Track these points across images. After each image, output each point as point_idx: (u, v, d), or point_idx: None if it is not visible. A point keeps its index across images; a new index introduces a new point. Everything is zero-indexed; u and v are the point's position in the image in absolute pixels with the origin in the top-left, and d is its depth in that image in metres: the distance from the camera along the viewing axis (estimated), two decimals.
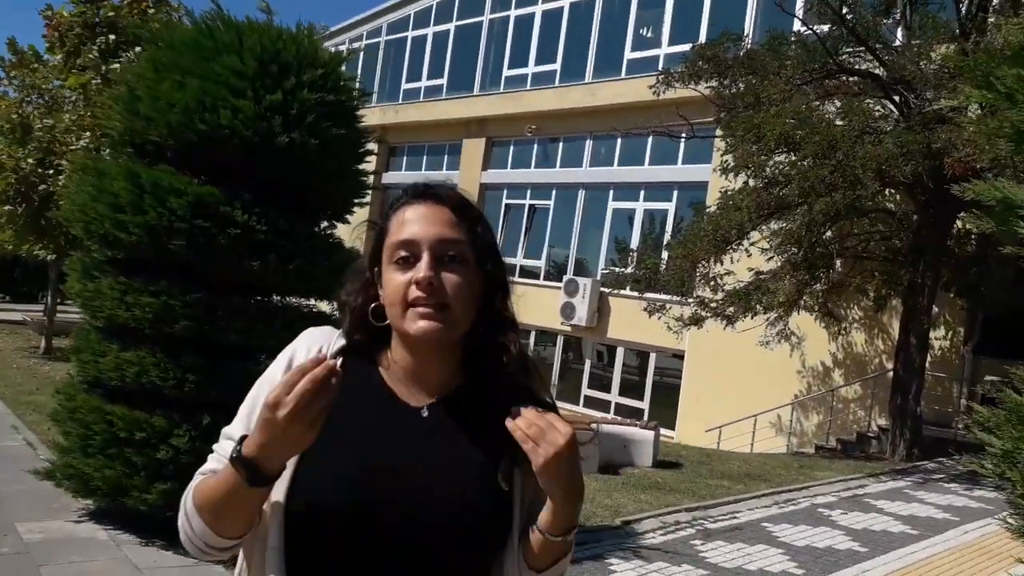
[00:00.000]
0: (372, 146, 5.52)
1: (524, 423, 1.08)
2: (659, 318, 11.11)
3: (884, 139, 9.18)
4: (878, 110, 10.22)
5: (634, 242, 15.52)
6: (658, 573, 5.21)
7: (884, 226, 11.52)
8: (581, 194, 16.82)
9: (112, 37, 12.36)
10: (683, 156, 14.71)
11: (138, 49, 10.52)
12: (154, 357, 4.54)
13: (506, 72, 18.67)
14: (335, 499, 1.10)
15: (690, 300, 10.90)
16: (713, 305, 10.49)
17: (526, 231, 17.78)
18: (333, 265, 4.88)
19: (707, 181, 13.51)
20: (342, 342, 1.24)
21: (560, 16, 17.67)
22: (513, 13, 18.70)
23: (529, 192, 17.94)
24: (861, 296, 12.08)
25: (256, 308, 4.79)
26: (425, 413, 1.19)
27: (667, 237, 14.24)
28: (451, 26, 20.12)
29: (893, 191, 11.06)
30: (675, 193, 15.15)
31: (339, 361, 1.01)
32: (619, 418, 12.05)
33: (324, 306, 5.33)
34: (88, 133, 10.96)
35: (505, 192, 18.29)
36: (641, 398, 15.15)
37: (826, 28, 10.45)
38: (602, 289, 15.43)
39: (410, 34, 21.25)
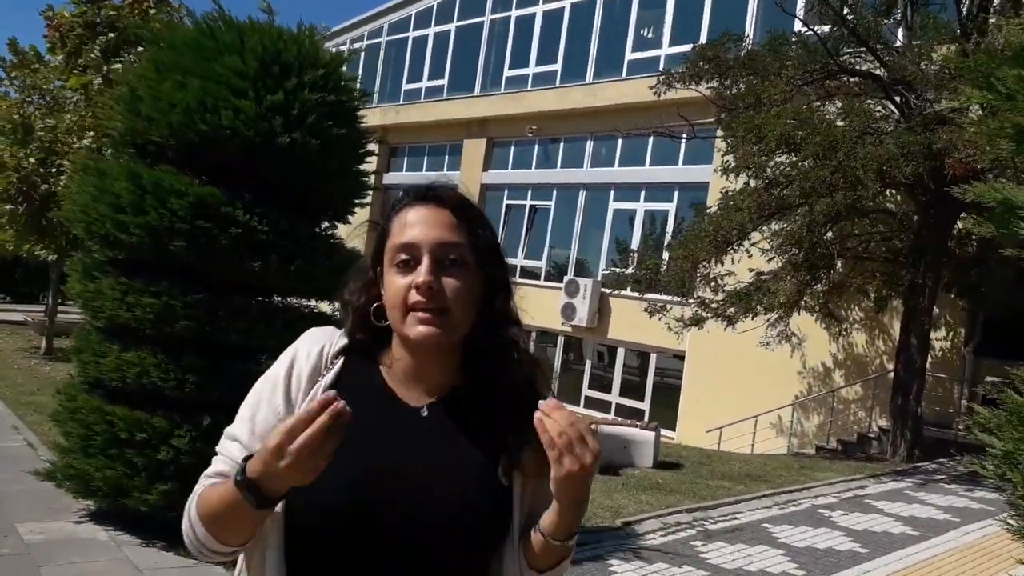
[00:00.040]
0: (373, 146, 5.53)
1: (555, 428, 1.05)
2: (660, 319, 11.10)
3: (885, 140, 9.18)
4: (879, 111, 10.22)
5: (635, 243, 15.52)
6: (659, 574, 5.21)
7: (885, 227, 11.52)
8: (582, 195, 16.82)
9: (112, 36, 12.36)
10: (684, 157, 14.71)
11: (139, 49, 10.53)
12: (155, 358, 4.55)
13: (507, 73, 18.67)
14: (335, 499, 1.10)
15: (691, 301, 10.90)
16: (714, 306, 10.49)
17: (527, 232, 17.78)
18: (334, 265, 4.88)
19: (708, 182, 13.51)
20: (344, 342, 1.24)
21: (561, 17, 17.67)
22: (514, 14, 18.71)
23: (530, 193, 17.94)
24: (862, 297, 12.08)
25: (257, 309, 4.79)
26: (425, 413, 1.19)
27: (668, 238, 14.23)
28: (452, 26, 20.12)
29: (894, 192, 11.06)
30: (676, 194, 15.15)
31: (344, 404, 0.98)
32: (620, 419, 12.05)
33: (325, 307, 5.33)
34: (91, 133, 10.97)
35: (506, 193, 18.29)
36: (642, 399, 15.14)
37: (827, 29, 10.45)
38: (603, 290, 15.44)
39: (411, 35, 21.26)
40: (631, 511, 6.57)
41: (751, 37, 12.45)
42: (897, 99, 10.00)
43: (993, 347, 11.46)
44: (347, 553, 1.12)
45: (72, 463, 4.79)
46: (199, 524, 1.12)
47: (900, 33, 10.98)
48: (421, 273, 1.13)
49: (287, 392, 1.19)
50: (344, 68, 5.20)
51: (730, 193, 10.43)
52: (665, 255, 12.15)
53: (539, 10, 18.12)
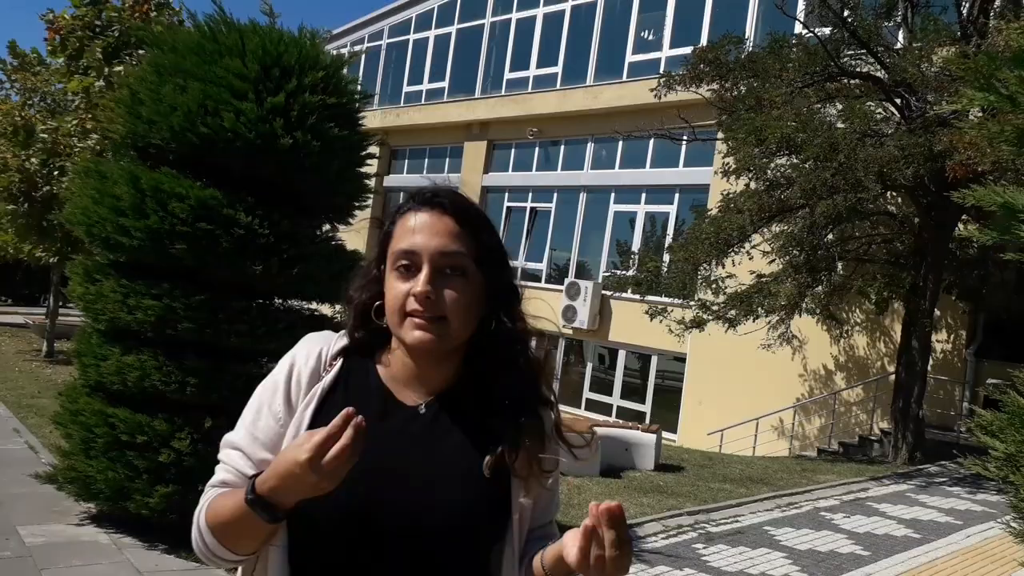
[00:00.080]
0: (374, 149, 5.53)
1: (589, 546, 1.01)
2: (660, 321, 11.10)
3: (886, 142, 9.18)
4: (879, 113, 10.22)
5: (635, 245, 15.52)
6: None
7: (886, 229, 11.52)
8: (582, 197, 16.82)
9: (116, 33, 12.37)
10: (684, 159, 14.72)
11: (140, 52, 10.54)
12: (156, 360, 4.55)
13: (507, 75, 18.69)
14: (335, 498, 1.10)
15: (692, 303, 10.89)
16: (715, 308, 10.48)
17: (527, 234, 17.78)
18: (335, 268, 4.89)
19: (708, 184, 13.52)
20: (342, 343, 1.25)
21: (562, 19, 17.69)
22: (515, 16, 18.73)
23: (530, 195, 17.94)
24: (863, 299, 12.07)
25: (258, 311, 4.79)
26: (423, 412, 1.20)
27: (668, 240, 14.22)
28: (452, 29, 20.15)
29: (895, 194, 11.06)
30: (676, 196, 15.15)
31: (362, 418, 1.01)
32: (621, 421, 12.04)
33: (326, 309, 5.33)
34: (96, 135, 11.00)
35: (506, 195, 18.30)
36: (643, 401, 15.14)
37: (827, 31, 10.46)
38: (603, 292, 15.44)
39: (412, 37, 21.28)
40: (632, 514, 6.57)
41: (751, 39, 12.45)
42: (898, 101, 10.00)
43: (994, 349, 11.46)
44: (348, 550, 1.12)
45: (73, 466, 4.79)
46: (208, 534, 1.14)
47: (900, 35, 10.98)
48: (419, 282, 1.14)
49: (287, 396, 1.19)
50: (345, 70, 5.20)
51: (731, 195, 10.43)
52: (666, 257, 12.14)
53: (540, 12, 18.14)
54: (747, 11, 14.30)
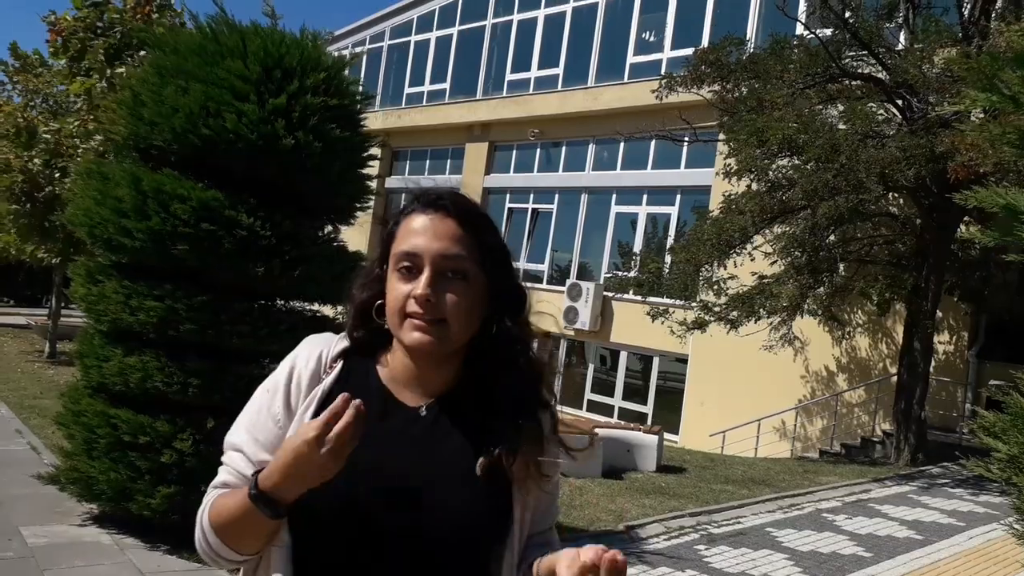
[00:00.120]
0: (375, 150, 5.53)
1: None
2: (662, 322, 11.10)
3: (887, 143, 9.18)
4: (881, 114, 10.22)
5: (637, 246, 15.52)
6: None
7: (888, 230, 11.51)
8: (584, 198, 16.83)
9: (118, 35, 12.39)
10: (686, 160, 14.72)
11: (142, 53, 10.56)
12: (158, 361, 4.55)
13: (509, 76, 18.70)
14: (336, 498, 1.11)
15: (693, 304, 10.89)
16: (716, 309, 10.48)
17: (529, 235, 17.79)
18: (337, 269, 4.89)
19: (710, 185, 13.51)
20: (343, 345, 1.25)
21: (563, 20, 17.70)
22: (516, 17, 18.74)
23: (532, 196, 17.95)
24: (865, 300, 12.06)
25: (260, 312, 4.79)
26: (424, 413, 1.20)
27: (670, 241, 14.22)
28: (454, 30, 20.16)
29: (896, 195, 11.05)
30: (678, 197, 15.15)
31: (361, 402, 1.05)
32: (622, 422, 12.04)
33: (328, 310, 5.33)
34: (99, 136, 11.02)
35: (508, 196, 18.31)
36: (645, 402, 15.13)
37: (829, 32, 10.46)
38: (605, 293, 15.44)
39: (413, 38, 21.30)
40: (634, 515, 6.56)
41: (753, 41, 12.45)
42: (899, 102, 10.00)
43: (997, 350, 11.45)
44: (348, 551, 1.13)
45: (76, 466, 4.80)
46: (212, 534, 1.14)
47: (902, 36, 10.98)
48: (420, 285, 1.14)
49: (287, 399, 1.20)
50: (346, 72, 5.20)
51: (732, 196, 10.43)
52: (667, 258, 12.15)
53: (541, 14, 18.16)
54: (748, 12, 14.30)
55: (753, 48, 11.46)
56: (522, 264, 17.27)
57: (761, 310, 10.25)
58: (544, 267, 17.31)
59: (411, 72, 21.26)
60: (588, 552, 1.03)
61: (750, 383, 12.81)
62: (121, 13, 12.86)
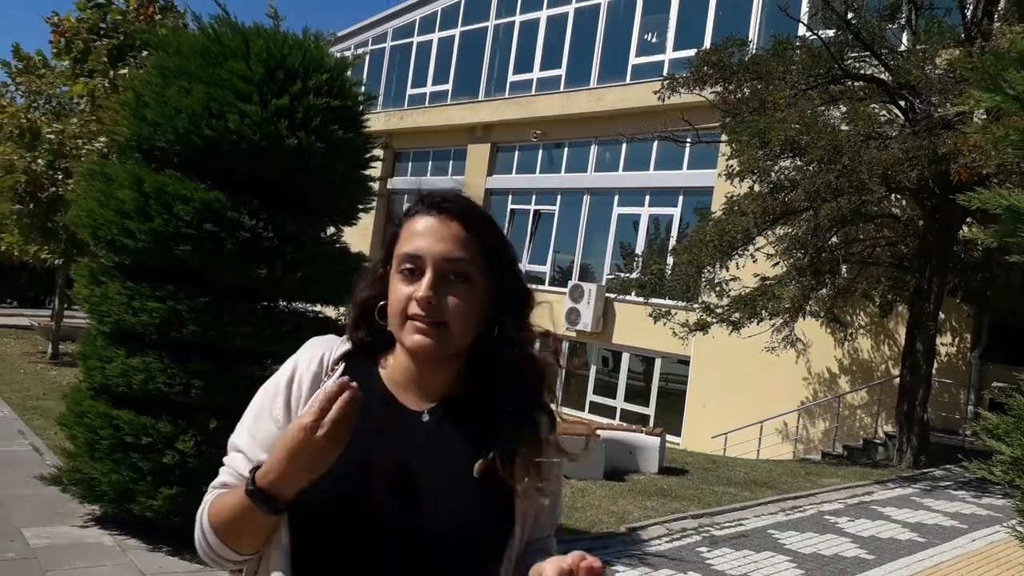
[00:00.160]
0: (378, 151, 5.54)
1: None
2: (664, 324, 11.09)
3: (890, 144, 9.17)
4: (883, 115, 10.21)
5: (639, 247, 15.52)
6: None
7: (890, 231, 11.50)
8: (586, 199, 16.83)
9: (121, 36, 12.42)
10: (688, 161, 14.71)
11: (145, 54, 10.57)
12: (160, 363, 4.55)
13: (511, 77, 18.71)
14: (337, 501, 1.11)
15: (695, 305, 10.88)
16: (719, 311, 10.47)
17: (531, 236, 17.79)
18: (339, 270, 4.89)
19: (712, 186, 13.51)
20: (345, 348, 1.25)
21: (565, 21, 17.70)
22: (518, 18, 18.75)
23: (534, 197, 17.95)
24: (867, 302, 12.05)
25: (263, 313, 4.80)
26: (426, 417, 1.20)
27: (672, 242, 14.23)
28: (456, 31, 20.18)
29: (899, 196, 11.04)
30: (680, 198, 15.15)
31: (356, 385, 1.04)
32: (624, 424, 12.03)
33: (330, 311, 5.34)
34: (104, 138, 11.05)
35: (510, 197, 18.31)
36: (647, 404, 15.12)
37: (831, 33, 10.45)
38: (607, 295, 15.43)
39: (415, 40, 21.32)
40: (636, 517, 6.56)
41: (755, 42, 12.44)
42: (902, 103, 9.99)
43: (1000, 352, 11.42)
44: (348, 554, 1.12)
45: (78, 467, 4.80)
46: (211, 533, 1.14)
47: (904, 37, 10.97)
48: (422, 287, 1.14)
49: (287, 400, 1.20)
50: (349, 73, 5.21)
51: (735, 198, 10.43)
52: (670, 260, 12.14)
53: (543, 15, 18.16)
54: (751, 13, 14.29)
55: (755, 49, 11.45)
56: (524, 265, 17.27)
57: (763, 312, 10.24)
58: (546, 268, 17.31)
59: (413, 73, 21.27)
60: (568, 558, 1.04)
61: (752, 385, 12.79)
62: (124, 14, 12.88)
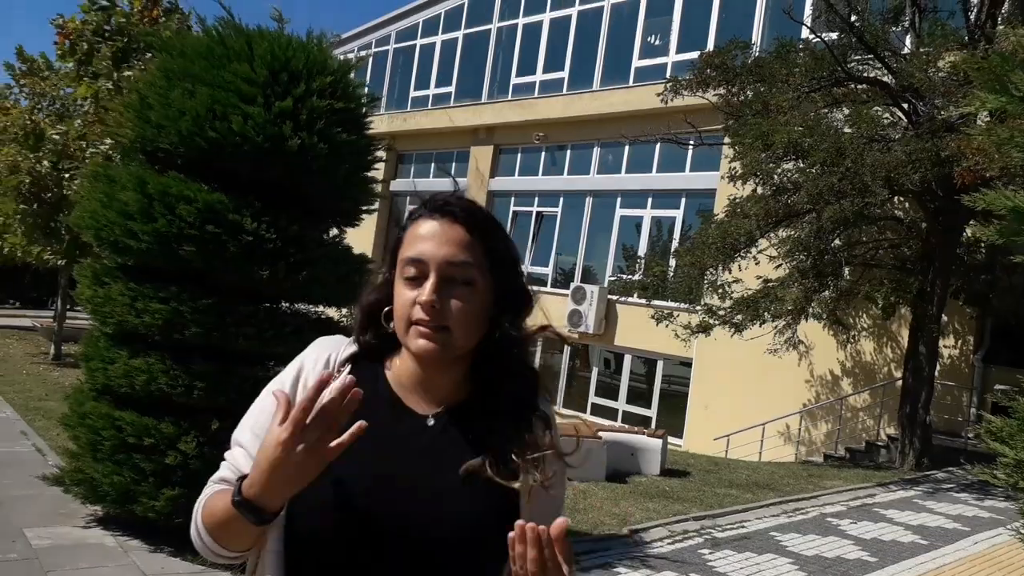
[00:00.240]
0: (380, 153, 5.55)
1: (526, 555, 1.00)
2: (667, 326, 11.09)
3: (893, 147, 9.16)
4: (887, 118, 10.20)
5: (642, 249, 15.51)
6: None
7: (893, 234, 11.49)
8: (588, 201, 16.83)
9: (125, 38, 12.44)
10: (691, 163, 14.71)
11: (149, 56, 10.60)
12: (163, 364, 4.56)
13: (514, 80, 18.72)
14: (339, 504, 1.11)
15: (698, 308, 10.88)
16: (721, 313, 10.47)
17: (533, 238, 17.80)
18: (342, 272, 4.90)
19: (715, 188, 13.50)
20: (351, 349, 1.25)
21: (568, 24, 17.72)
22: (521, 21, 18.77)
23: (536, 199, 17.96)
24: (870, 304, 12.03)
25: (265, 315, 4.80)
26: (431, 422, 1.20)
27: (675, 244, 14.22)
28: (459, 34, 20.20)
29: (902, 199, 11.03)
30: (683, 200, 15.14)
31: (345, 375, 1.01)
32: (627, 426, 12.02)
33: (333, 313, 5.34)
34: (109, 140, 11.08)
35: (512, 199, 18.32)
36: (649, 406, 15.11)
37: (834, 36, 10.45)
38: (609, 296, 15.42)
39: (418, 42, 21.35)
40: (638, 519, 6.55)
41: (758, 44, 12.45)
42: (905, 106, 9.99)
43: (1002, 354, 11.40)
44: (349, 558, 1.12)
45: (80, 468, 4.81)
46: (205, 532, 1.14)
47: (908, 40, 10.96)
48: (425, 292, 1.13)
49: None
50: (352, 75, 5.22)
51: (737, 200, 10.42)
52: (672, 262, 12.14)
53: (546, 17, 18.18)
54: (754, 16, 14.30)
55: (758, 52, 11.46)
56: (526, 267, 17.28)
57: (766, 314, 10.23)
58: (548, 270, 17.31)
59: (416, 76, 21.30)
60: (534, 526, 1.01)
61: (754, 387, 12.78)
62: (128, 16, 12.91)
